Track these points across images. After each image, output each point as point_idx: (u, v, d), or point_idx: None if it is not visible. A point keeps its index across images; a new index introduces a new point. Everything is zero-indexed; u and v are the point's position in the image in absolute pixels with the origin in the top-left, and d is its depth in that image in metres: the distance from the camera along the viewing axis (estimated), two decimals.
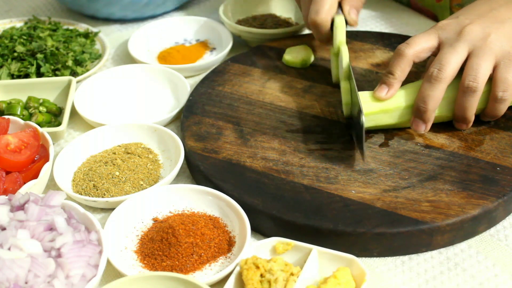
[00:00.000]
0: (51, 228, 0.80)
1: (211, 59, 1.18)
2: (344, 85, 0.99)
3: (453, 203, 0.85)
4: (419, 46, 0.94)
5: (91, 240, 0.80)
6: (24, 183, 0.89)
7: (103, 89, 1.14)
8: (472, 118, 0.95)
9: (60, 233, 0.79)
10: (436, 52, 0.95)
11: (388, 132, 0.98)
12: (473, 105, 0.93)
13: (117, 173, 0.94)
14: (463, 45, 0.92)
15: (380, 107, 0.95)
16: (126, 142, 1.01)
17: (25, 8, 1.43)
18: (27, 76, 1.15)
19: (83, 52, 1.21)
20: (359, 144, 0.92)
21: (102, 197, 0.91)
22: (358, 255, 0.82)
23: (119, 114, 1.10)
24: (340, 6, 1.07)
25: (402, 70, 0.94)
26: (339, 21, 1.04)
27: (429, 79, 0.92)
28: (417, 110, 0.93)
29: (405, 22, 1.33)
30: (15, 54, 1.17)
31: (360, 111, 0.91)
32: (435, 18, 1.32)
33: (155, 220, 0.89)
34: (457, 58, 0.92)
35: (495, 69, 0.93)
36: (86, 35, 1.26)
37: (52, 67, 1.16)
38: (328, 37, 1.08)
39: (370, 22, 1.33)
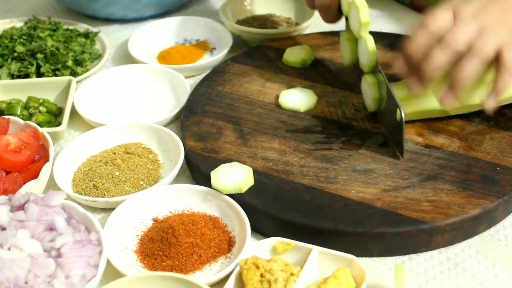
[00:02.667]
0: (51, 228, 0.80)
1: (211, 59, 1.18)
2: (370, 79, 0.97)
3: (453, 203, 0.85)
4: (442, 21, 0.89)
5: (91, 240, 0.80)
6: (24, 183, 0.89)
7: (103, 89, 1.14)
8: (464, 83, 0.89)
9: (60, 233, 0.79)
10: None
11: None
12: (472, 70, 0.88)
13: (117, 173, 0.94)
14: (475, 25, 0.88)
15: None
16: (126, 142, 1.01)
17: (25, 8, 1.43)
18: (27, 76, 1.15)
19: (83, 52, 1.21)
20: (397, 140, 0.92)
21: (102, 197, 0.91)
22: (358, 255, 0.82)
23: (119, 114, 1.10)
24: None
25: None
26: (360, 3, 0.97)
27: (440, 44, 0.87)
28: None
29: (406, 23, 1.33)
30: (15, 54, 1.17)
31: (397, 106, 0.90)
32: None
33: (155, 220, 0.89)
34: (469, 32, 0.87)
35: (500, 52, 0.88)
36: (86, 35, 1.26)
37: (52, 67, 1.16)
38: (335, 17, 1.06)
39: (371, 22, 1.32)
